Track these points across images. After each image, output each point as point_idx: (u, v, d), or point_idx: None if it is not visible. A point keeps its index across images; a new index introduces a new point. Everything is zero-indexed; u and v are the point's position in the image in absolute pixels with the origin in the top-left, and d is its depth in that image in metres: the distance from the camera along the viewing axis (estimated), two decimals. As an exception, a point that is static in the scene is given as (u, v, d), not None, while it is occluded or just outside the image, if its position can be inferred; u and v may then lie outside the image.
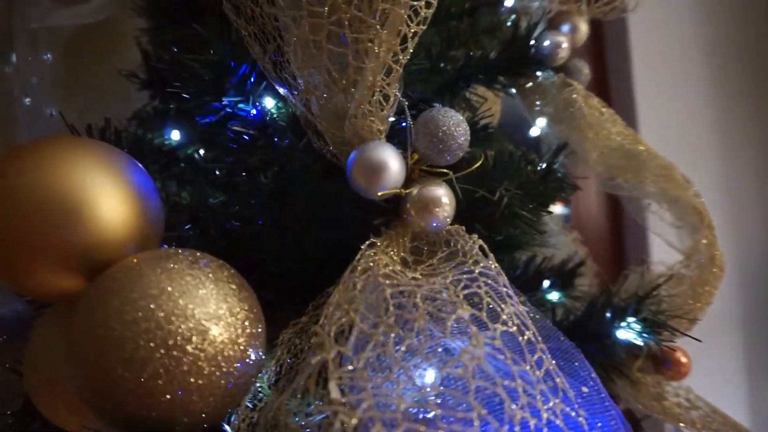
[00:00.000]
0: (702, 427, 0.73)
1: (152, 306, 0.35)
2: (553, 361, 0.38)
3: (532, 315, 0.42)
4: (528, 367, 0.36)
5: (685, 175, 0.63)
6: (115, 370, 0.34)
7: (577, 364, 0.41)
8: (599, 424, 0.38)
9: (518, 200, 0.56)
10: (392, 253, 0.46)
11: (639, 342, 0.61)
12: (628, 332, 0.62)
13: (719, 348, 1.75)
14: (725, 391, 1.77)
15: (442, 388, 0.31)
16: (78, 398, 0.37)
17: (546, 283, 0.75)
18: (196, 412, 0.36)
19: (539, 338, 0.38)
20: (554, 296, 0.78)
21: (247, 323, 0.39)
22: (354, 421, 0.28)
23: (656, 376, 0.75)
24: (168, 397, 0.35)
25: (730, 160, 1.78)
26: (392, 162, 0.45)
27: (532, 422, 0.31)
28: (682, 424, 0.73)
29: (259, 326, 0.40)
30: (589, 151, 0.72)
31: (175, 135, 0.68)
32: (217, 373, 0.37)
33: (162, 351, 0.35)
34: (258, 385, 0.43)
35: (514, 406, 0.31)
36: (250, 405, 0.42)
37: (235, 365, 0.37)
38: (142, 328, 0.35)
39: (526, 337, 0.37)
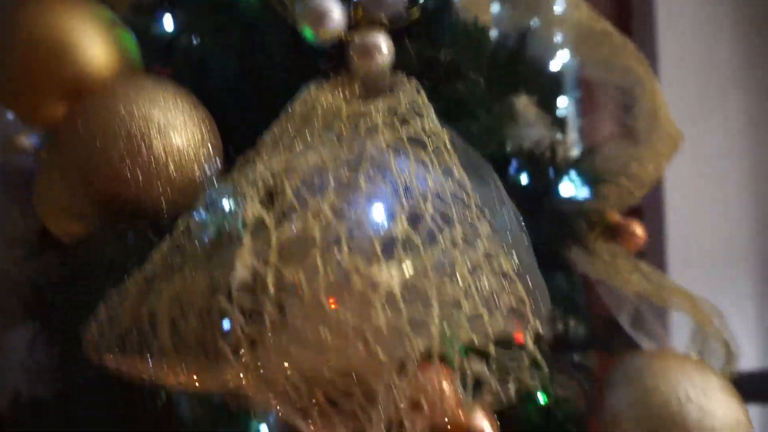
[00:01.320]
0: (653, 295, 0.80)
1: (124, 112, 0.44)
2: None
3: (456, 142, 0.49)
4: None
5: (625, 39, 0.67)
6: (94, 161, 0.43)
7: (483, 172, 0.47)
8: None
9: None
10: (338, 93, 0.52)
11: (580, 196, 0.67)
12: (570, 186, 0.67)
13: (729, 282, 1.76)
14: (735, 325, 1.79)
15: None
16: (70, 191, 0.46)
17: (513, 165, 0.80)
18: (156, 200, 0.45)
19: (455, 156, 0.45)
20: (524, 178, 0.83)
21: (204, 137, 0.47)
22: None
23: (612, 246, 0.81)
24: (134, 184, 0.43)
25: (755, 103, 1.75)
26: (335, 10, 0.51)
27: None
28: (635, 291, 0.80)
29: (215, 141, 0.48)
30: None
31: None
32: (176, 172, 0.45)
33: (130, 148, 0.43)
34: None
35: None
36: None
37: (192, 168, 0.46)
38: (117, 130, 0.43)
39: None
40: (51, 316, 0.61)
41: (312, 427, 0.38)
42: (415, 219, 0.38)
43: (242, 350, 0.33)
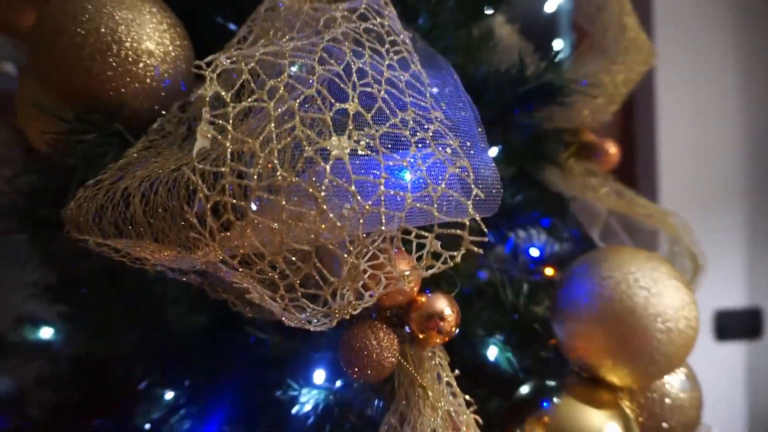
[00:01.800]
0: (625, 209, 0.83)
1: (93, 10, 0.46)
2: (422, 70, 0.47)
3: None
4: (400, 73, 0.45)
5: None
6: (66, 59, 0.45)
7: (443, 71, 0.49)
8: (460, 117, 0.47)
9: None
10: None
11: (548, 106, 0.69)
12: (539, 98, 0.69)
13: (720, 220, 1.78)
14: (724, 264, 1.82)
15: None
16: (47, 92, 0.48)
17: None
18: (130, 100, 0.47)
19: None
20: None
21: (174, 41, 0.49)
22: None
23: (585, 164, 0.84)
24: (106, 81, 0.46)
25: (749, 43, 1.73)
26: None
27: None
28: (607, 206, 0.82)
29: (185, 45, 0.50)
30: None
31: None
32: (147, 73, 0.47)
33: (100, 45, 0.45)
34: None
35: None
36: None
37: (162, 69, 0.48)
38: (87, 28, 0.45)
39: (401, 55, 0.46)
40: (44, 231, 0.65)
41: (279, 301, 0.41)
42: (368, 101, 0.40)
43: (207, 216, 0.36)
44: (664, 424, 0.59)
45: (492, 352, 0.65)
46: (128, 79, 0.47)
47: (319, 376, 0.59)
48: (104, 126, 0.47)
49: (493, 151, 0.78)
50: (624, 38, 0.68)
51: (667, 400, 0.60)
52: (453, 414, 0.45)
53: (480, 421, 0.48)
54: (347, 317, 0.41)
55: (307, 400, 0.57)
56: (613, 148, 0.84)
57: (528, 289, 0.68)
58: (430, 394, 0.45)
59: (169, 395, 0.66)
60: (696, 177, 1.76)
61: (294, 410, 0.56)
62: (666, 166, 1.74)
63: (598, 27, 0.69)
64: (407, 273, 0.41)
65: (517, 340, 0.65)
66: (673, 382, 0.60)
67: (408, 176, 0.38)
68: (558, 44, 1.32)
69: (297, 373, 0.61)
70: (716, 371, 1.79)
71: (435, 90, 0.47)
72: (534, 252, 0.85)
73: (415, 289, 0.48)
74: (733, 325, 1.89)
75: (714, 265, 1.89)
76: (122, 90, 0.47)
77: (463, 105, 0.49)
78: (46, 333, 0.79)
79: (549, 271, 0.79)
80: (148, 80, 0.48)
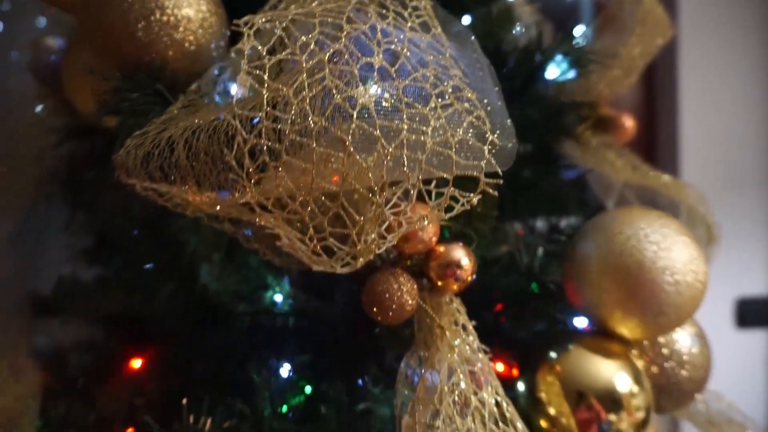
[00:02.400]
0: (642, 182, 0.85)
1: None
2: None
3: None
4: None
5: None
6: (113, 24, 0.49)
7: (462, 35, 0.52)
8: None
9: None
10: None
11: (566, 76, 0.71)
12: (556, 69, 0.71)
13: (742, 207, 1.77)
14: (746, 252, 1.81)
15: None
16: (94, 57, 0.52)
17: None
18: (173, 63, 0.51)
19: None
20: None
21: (212, 9, 0.53)
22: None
23: (602, 137, 0.86)
24: (149, 44, 0.50)
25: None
26: None
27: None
28: (622, 178, 0.84)
29: (221, 13, 0.54)
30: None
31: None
32: (187, 37, 0.51)
33: (144, 11, 0.49)
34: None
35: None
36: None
37: (201, 34, 0.52)
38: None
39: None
40: (86, 194, 0.69)
41: (308, 243, 0.45)
42: (391, 57, 0.43)
43: (244, 159, 0.40)
44: (675, 379, 0.61)
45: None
46: (169, 42, 0.51)
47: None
48: (148, 85, 0.51)
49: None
50: (640, 10, 0.70)
51: (676, 357, 0.62)
52: (468, 352, 0.48)
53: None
54: (371, 257, 0.45)
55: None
56: (629, 122, 0.86)
57: (543, 253, 0.70)
58: (447, 334, 0.48)
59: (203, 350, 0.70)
60: (717, 165, 1.76)
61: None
62: (687, 154, 1.73)
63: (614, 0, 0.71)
64: (426, 216, 0.44)
65: (532, 301, 0.68)
66: (683, 339, 0.62)
67: (431, 123, 0.41)
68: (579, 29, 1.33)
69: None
70: (737, 359, 1.79)
71: (454, 52, 0.50)
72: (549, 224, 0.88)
73: (434, 239, 0.52)
74: (755, 313, 1.88)
75: (736, 253, 1.88)
76: (164, 53, 0.51)
77: (480, 66, 0.52)
78: (84, 294, 0.83)
79: (564, 239, 0.81)
80: (186, 44, 0.52)
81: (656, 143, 1.80)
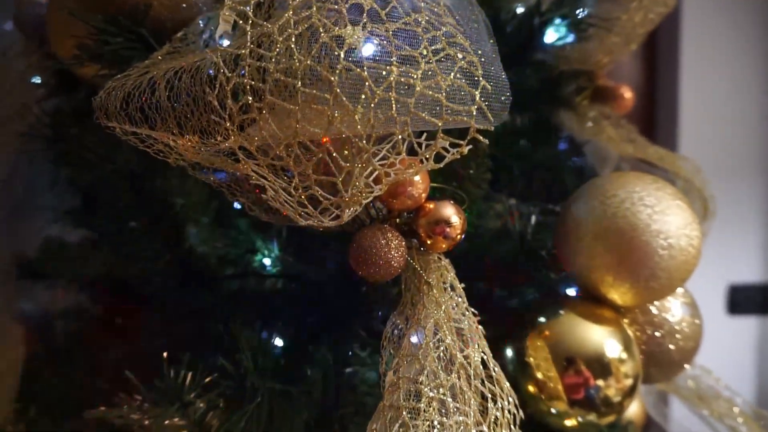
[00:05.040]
0: (639, 154, 0.83)
1: None
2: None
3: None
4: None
5: None
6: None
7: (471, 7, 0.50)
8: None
9: None
10: None
11: (565, 41, 0.69)
12: (555, 33, 0.70)
13: (737, 194, 1.76)
14: (740, 239, 1.80)
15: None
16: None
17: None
18: (157, 9, 0.49)
19: None
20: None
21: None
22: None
23: (600, 108, 0.84)
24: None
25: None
26: None
27: None
28: (619, 149, 0.83)
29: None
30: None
31: None
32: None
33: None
34: None
35: None
36: None
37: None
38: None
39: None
40: (70, 152, 0.68)
41: (294, 194, 0.44)
42: (382, 1, 0.42)
43: (227, 99, 0.38)
44: (667, 347, 0.60)
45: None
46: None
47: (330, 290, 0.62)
48: (131, 30, 0.49)
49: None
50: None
51: (667, 326, 0.61)
52: (455, 310, 0.47)
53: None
54: (358, 208, 0.43)
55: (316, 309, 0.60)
56: (628, 93, 0.84)
57: (536, 220, 0.69)
58: (434, 291, 0.47)
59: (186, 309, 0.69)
60: (715, 150, 1.74)
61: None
62: (686, 138, 1.72)
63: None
64: (414, 164, 0.42)
65: (523, 267, 0.67)
66: (674, 308, 0.62)
67: (420, 65, 0.39)
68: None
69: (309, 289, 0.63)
70: (727, 344, 1.79)
71: (448, 2, 0.49)
72: (544, 195, 0.86)
73: (423, 195, 0.50)
74: (747, 300, 1.88)
75: (730, 240, 1.88)
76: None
77: (476, 18, 0.51)
78: (70, 256, 0.82)
79: (557, 208, 0.80)
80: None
81: (655, 127, 1.79)
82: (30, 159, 0.75)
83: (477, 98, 0.39)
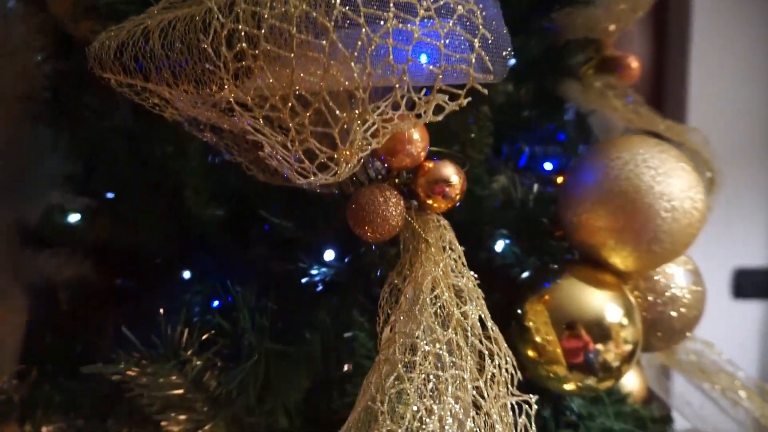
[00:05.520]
0: (644, 125, 0.82)
1: None
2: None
3: None
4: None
5: None
6: None
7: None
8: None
9: None
10: None
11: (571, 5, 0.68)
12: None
13: (743, 179, 1.74)
14: (746, 223, 1.78)
15: None
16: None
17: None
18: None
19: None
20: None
21: None
22: None
23: (605, 78, 0.83)
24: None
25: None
26: None
27: None
28: (624, 119, 0.82)
29: None
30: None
31: None
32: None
33: None
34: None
35: None
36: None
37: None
38: None
39: None
40: (68, 108, 0.67)
41: (290, 148, 0.43)
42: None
43: (222, 46, 0.37)
44: (669, 314, 0.60)
45: (499, 246, 0.67)
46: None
47: (329, 254, 0.62)
48: None
49: (512, 61, 0.78)
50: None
51: (669, 293, 0.61)
52: (454, 268, 0.46)
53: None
54: (355, 161, 0.43)
55: (316, 274, 0.60)
56: (635, 62, 0.83)
57: (538, 189, 0.69)
58: (433, 250, 0.47)
59: (186, 274, 0.69)
60: (720, 134, 1.72)
61: (303, 280, 0.58)
62: (694, 119, 1.70)
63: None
64: (411, 115, 0.42)
65: (524, 235, 0.66)
66: (677, 275, 0.61)
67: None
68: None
69: (308, 254, 0.63)
70: (731, 328, 1.78)
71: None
72: (548, 166, 0.85)
73: (422, 154, 0.50)
74: (753, 284, 1.87)
75: (736, 224, 1.86)
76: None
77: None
78: (73, 220, 0.82)
79: (560, 179, 0.79)
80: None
81: (664, 100, 1.75)
82: (30, 123, 0.74)
83: (477, 46, 0.38)
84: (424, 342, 0.40)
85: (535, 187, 0.69)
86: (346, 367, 0.60)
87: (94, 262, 0.82)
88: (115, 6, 0.48)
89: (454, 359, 0.40)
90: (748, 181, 1.75)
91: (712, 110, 1.68)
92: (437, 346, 0.40)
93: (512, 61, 0.78)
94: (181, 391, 0.50)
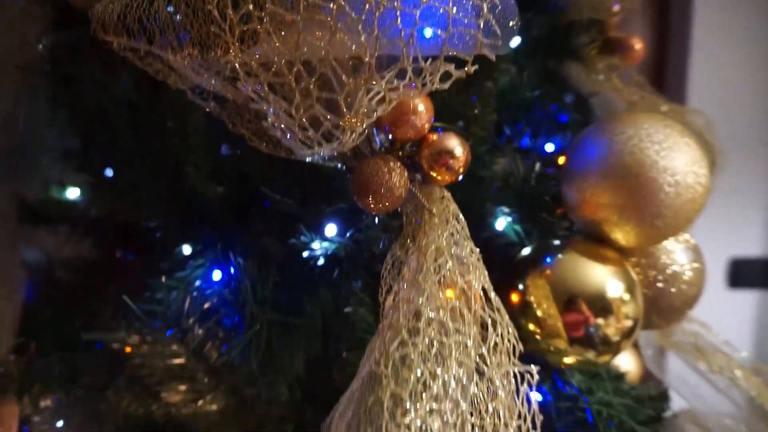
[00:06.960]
0: (644, 104, 0.82)
1: None
2: None
3: None
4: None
5: None
6: None
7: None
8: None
9: None
10: None
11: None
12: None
13: (740, 169, 1.74)
14: (743, 213, 1.79)
15: None
16: None
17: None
18: None
19: None
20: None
21: None
22: None
23: (609, 59, 0.83)
24: None
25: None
26: None
27: None
28: (626, 100, 0.82)
29: None
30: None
31: None
32: None
33: None
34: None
35: None
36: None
37: None
38: None
39: None
40: (69, 76, 0.66)
41: (295, 115, 0.43)
42: None
43: (228, 8, 0.37)
44: (669, 291, 0.60)
45: (500, 224, 0.67)
46: None
47: (330, 229, 0.61)
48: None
49: (516, 41, 0.77)
50: None
51: (670, 271, 0.61)
52: (457, 239, 0.46)
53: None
54: (360, 130, 0.43)
55: (317, 249, 0.59)
56: (638, 44, 0.82)
57: (540, 167, 0.69)
58: (436, 220, 0.47)
59: (187, 250, 0.69)
60: (718, 123, 1.72)
61: (305, 254, 0.58)
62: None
63: None
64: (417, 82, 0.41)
65: (525, 213, 0.67)
66: (677, 252, 0.61)
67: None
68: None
69: (309, 228, 0.63)
70: (726, 317, 1.79)
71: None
72: (549, 147, 0.85)
73: (427, 125, 0.50)
74: (748, 274, 1.88)
75: (732, 214, 1.86)
76: None
77: None
78: (72, 195, 0.81)
79: (561, 160, 0.79)
80: None
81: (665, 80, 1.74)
82: (30, 96, 0.74)
83: (485, 11, 0.38)
84: (428, 308, 0.40)
85: (537, 165, 0.69)
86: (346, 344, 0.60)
87: (94, 237, 0.81)
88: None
89: (457, 326, 0.41)
90: (745, 172, 1.75)
91: (711, 98, 1.68)
92: (441, 313, 0.40)
93: (517, 39, 0.79)
94: (181, 360, 0.50)
